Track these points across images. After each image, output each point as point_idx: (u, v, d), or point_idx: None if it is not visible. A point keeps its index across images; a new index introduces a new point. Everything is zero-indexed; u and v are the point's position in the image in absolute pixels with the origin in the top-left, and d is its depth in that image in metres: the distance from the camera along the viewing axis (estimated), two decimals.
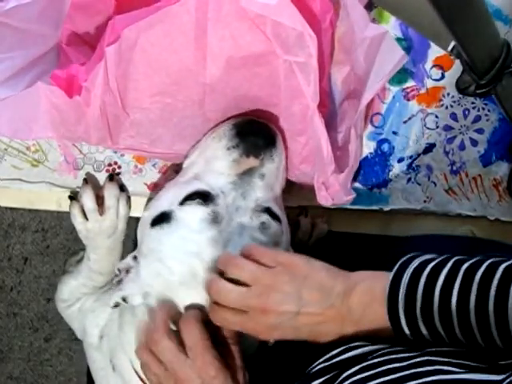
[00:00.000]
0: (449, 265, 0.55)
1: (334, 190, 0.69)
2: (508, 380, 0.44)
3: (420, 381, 0.47)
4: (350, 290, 0.58)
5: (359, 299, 0.58)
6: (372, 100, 0.77)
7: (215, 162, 0.67)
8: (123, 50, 0.63)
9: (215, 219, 0.63)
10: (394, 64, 0.61)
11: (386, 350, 0.54)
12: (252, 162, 0.67)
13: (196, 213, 0.64)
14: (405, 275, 0.56)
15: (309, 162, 0.71)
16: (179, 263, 0.63)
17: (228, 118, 0.70)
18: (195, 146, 0.72)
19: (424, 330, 0.54)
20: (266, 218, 0.65)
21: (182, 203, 0.65)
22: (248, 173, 0.66)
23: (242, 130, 0.68)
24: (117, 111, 0.69)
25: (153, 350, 0.61)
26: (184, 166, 0.71)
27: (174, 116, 0.70)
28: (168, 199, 0.67)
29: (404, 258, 0.58)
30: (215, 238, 0.63)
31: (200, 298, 0.63)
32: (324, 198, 0.70)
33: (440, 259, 0.56)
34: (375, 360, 0.53)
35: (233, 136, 0.68)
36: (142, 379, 0.68)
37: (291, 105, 0.68)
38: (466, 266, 0.54)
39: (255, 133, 0.68)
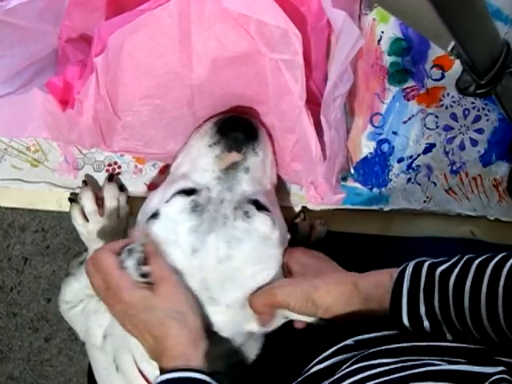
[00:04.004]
0: (460, 264, 0.57)
1: (323, 190, 0.70)
2: (498, 377, 0.44)
3: (409, 372, 0.48)
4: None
5: (367, 283, 0.62)
6: (372, 100, 0.77)
7: (199, 160, 0.68)
8: (110, 57, 0.64)
9: (194, 208, 0.64)
10: (351, 45, 0.61)
11: (377, 349, 0.55)
12: (234, 156, 0.67)
13: (178, 204, 0.65)
14: (423, 270, 0.59)
15: (300, 159, 0.71)
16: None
17: (211, 117, 0.71)
18: (182, 148, 0.72)
19: (422, 308, 0.57)
20: (249, 207, 0.65)
21: (167, 201, 0.66)
22: (232, 167, 0.67)
23: (223, 127, 0.69)
24: (108, 116, 0.69)
25: (96, 265, 0.62)
26: (172, 169, 0.72)
27: (164, 117, 0.71)
28: (156, 200, 0.67)
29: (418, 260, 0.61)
30: (195, 228, 0.63)
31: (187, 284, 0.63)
32: (313, 198, 0.71)
33: (452, 262, 0.59)
34: (366, 353, 0.54)
35: (214, 133, 0.69)
36: (146, 379, 0.68)
37: (280, 102, 0.68)
38: (477, 261, 0.56)
39: (236, 128, 0.68)
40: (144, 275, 0.61)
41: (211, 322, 0.64)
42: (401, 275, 0.59)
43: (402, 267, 0.60)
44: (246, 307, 0.65)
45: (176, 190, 0.66)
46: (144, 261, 0.61)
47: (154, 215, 0.66)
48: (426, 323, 0.57)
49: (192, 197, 0.65)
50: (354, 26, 0.60)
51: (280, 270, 0.67)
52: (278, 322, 0.67)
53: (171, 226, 0.64)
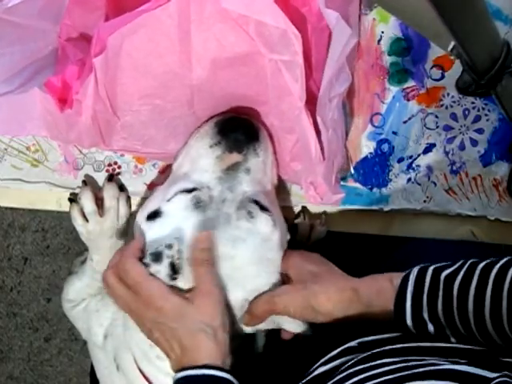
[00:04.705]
0: (465, 268, 0.57)
1: (322, 190, 0.70)
2: (499, 380, 0.44)
3: (411, 371, 0.48)
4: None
5: (368, 289, 0.61)
6: (372, 100, 0.77)
7: (200, 161, 0.68)
8: (110, 58, 0.64)
9: (197, 204, 0.64)
10: (343, 44, 0.61)
11: (380, 349, 0.55)
12: (235, 157, 0.67)
13: (180, 202, 0.65)
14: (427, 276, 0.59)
15: (299, 160, 0.71)
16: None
17: (211, 117, 0.71)
18: (182, 148, 0.72)
19: (426, 312, 0.57)
20: (252, 207, 0.65)
21: (169, 200, 0.66)
22: (233, 168, 0.67)
23: (224, 127, 0.69)
24: (107, 116, 0.69)
25: (120, 275, 0.62)
26: (173, 168, 0.72)
27: (164, 117, 0.71)
28: (157, 200, 0.67)
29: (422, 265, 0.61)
30: (201, 224, 0.63)
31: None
32: (312, 198, 0.71)
33: (457, 266, 0.58)
34: (368, 354, 0.54)
35: (215, 134, 0.68)
36: (146, 378, 0.68)
37: (280, 103, 0.68)
38: (481, 265, 0.56)
39: (236, 129, 0.68)
40: (174, 279, 0.62)
41: None
42: (405, 280, 0.59)
43: (406, 272, 0.60)
44: (244, 309, 0.66)
45: (177, 190, 0.66)
46: (177, 266, 0.62)
47: (156, 213, 0.66)
48: (431, 327, 0.57)
49: (193, 193, 0.65)
50: (345, 25, 0.60)
51: (279, 276, 0.67)
52: (266, 327, 0.67)
53: (175, 223, 0.64)
